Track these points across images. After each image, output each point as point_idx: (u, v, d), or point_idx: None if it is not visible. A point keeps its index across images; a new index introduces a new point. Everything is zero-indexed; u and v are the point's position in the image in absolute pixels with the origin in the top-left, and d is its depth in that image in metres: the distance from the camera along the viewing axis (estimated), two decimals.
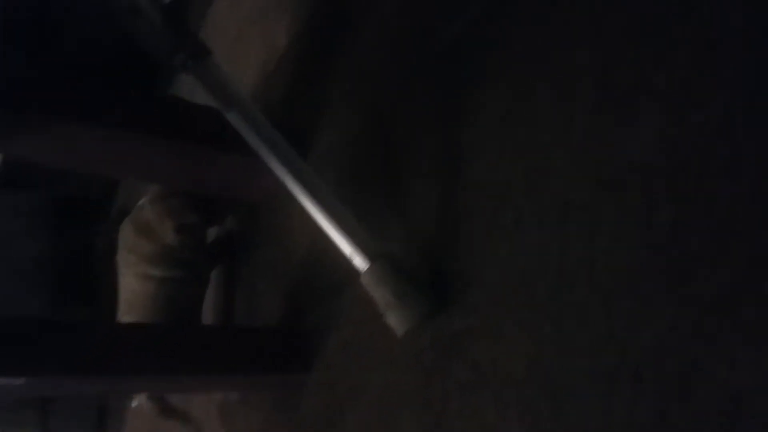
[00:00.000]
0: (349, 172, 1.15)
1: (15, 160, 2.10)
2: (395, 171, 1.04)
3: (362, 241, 0.88)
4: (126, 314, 1.40)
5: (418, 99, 1.03)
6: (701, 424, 0.59)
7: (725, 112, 0.62)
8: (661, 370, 0.63)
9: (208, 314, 1.51)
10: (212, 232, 1.54)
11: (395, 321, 0.86)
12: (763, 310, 0.57)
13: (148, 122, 1.10)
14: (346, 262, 0.91)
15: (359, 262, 0.88)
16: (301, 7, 1.44)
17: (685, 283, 0.62)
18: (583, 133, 0.75)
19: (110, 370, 0.95)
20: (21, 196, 2.39)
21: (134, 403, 2.09)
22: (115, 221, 1.67)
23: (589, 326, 0.70)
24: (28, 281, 2.18)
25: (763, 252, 0.57)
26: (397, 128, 1.06)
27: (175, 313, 1.35)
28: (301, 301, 1.23)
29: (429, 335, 0.88)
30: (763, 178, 0.59)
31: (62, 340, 0.91)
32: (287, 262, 1.30)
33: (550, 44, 0.82)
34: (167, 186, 1.30)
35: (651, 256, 0.66)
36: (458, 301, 0.85)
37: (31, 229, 2.27)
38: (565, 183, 0.76)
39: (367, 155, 1.13)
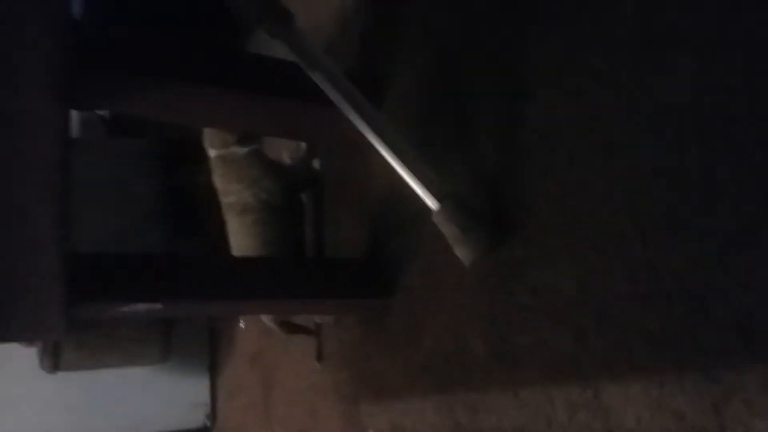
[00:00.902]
0: (420, 115, 1.26)
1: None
2: (461, 114, 1.14)
3: (432, 183, 0.99)
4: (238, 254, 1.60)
5: (482, 48, 1.11)
6: (722, 337, 0.69)
7: (747, 61, 0.68)
8: (687, 292, 0.73)
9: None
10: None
11: (462, 253, 0.98)
12: None
13: (241, 79, 1.23)
14: (418, 200, 1.04)
15: (430, 201, 1.00)
16: None
17: (710, 217, 0.71)
18: (625, 79, 0.82)
19: (228, 295, 1.15)
20: (132, 142, 2.64)
21: (241, 325, 2.36)
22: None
23: (628, 253, 0.80)
24: (147, 218, 2.44)
25: None
26: (462, 75, 1.15)
27: (276, 246, 1.54)
28: (381, 234, 1.38)
29: (492, 263, 1.00)
30: None
31: (190, 272, 1.11)
32: (368, 199, 1.45)
33: None
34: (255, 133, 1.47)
35: (682, 192, 0.74)
36: (517, 234, 0.97)
37: (144, 171, 2.52)
38: (609, 126, 0.84)
39: (436, 99, 1.23)
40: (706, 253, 0.71)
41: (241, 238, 1.53)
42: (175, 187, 2.54)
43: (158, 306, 1.07)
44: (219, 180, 1.56)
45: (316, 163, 1.74)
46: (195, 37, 1.87)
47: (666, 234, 0.76)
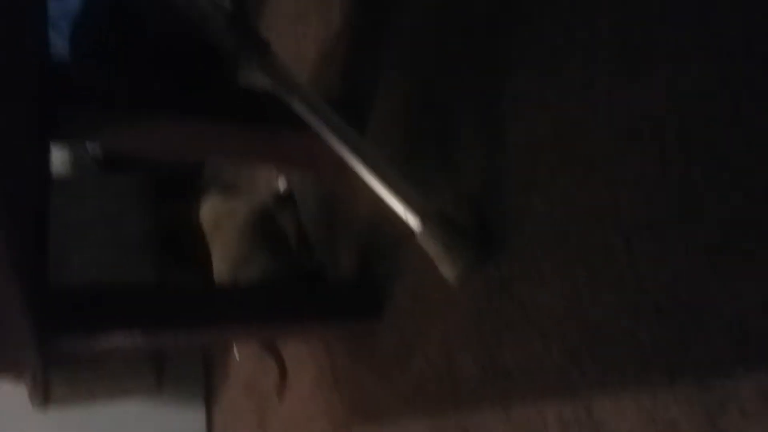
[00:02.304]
0: (402, 137, 1.26)
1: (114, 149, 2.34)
2: (443, 135, 1.14)
3: (414, 203, 0.98)
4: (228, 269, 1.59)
5: (461, 67, 1.11)
6: (714, 345, 0.68)
7: (724, 63, 0.68)
8: (676, 302, 0.71)
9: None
10: None
11: (447, 271, 0.97)
12: (761, 245, 0.64)
13: (224, 111, 1.24)
14: (403, 220, 1.03)
15: (413, 221, 0.99)
16: None
17: (695, 224, 0.70)
18: (603, 91, 0.82)
19: (213, 322, 1.13)
20: (126, 178, 2.65)
21: (236, 356, 2.34)
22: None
23: (615, 266, 0.79)
24: (138, 252, 2.45)
25: (761, 193, 0.64)
26: (443, 97, 1.15)
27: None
28: (369, 254, 1.36)
29: (480, 281, 0.99)
30: (760, 123, 0.65)
31: (172, 301, 1.09)
32: (357, 220, 1.44)
33: (574, 13, 0.88)
34: (240, 163, 1.49)
35: (666, 202, 0.73)
36: (504, 250, 0.96)
37: (134, 207, 2.53)
38: (589, 139, 0.84)
39: (418, 122, 1.23)
40: (693, 261, 0.70)
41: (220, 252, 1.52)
42: (166, 222, 2.56)
43: (137, 335, 1.05)
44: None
45: (282, 184, 1.74)
46: (182, 72, 1.88)
47: (652, 244, 0.75)
